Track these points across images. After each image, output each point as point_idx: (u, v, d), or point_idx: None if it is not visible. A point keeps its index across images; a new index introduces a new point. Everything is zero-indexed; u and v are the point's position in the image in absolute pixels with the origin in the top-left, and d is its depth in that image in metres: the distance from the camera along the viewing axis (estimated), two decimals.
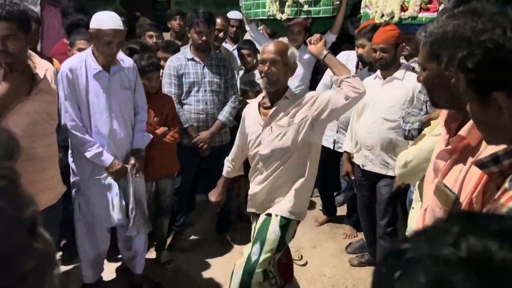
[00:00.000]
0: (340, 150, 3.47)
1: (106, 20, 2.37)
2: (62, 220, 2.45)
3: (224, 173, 2.52)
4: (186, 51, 3.21)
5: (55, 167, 2.22)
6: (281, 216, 2.18)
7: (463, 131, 1.09)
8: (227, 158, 2.51)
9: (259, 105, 2.23)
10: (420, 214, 1.33)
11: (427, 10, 3.08)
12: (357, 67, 3.39)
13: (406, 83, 2.66)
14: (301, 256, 3.31)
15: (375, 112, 2.77)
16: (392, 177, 2.73)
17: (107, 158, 2.48)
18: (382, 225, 2.84)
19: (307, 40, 2.28)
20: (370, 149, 2.82)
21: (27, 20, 1.95)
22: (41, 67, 2.10)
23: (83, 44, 2.83)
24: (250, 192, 2.32)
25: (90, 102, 2.44)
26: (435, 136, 1.94)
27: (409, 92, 2.65)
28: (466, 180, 1.07)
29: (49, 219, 2.14)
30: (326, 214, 3.86)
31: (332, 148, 3.52)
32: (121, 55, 2.60)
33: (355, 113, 2.96)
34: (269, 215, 2.21)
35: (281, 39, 4.24)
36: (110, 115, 2.48)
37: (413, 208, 2.15)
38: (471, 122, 1.07)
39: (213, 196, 2.51)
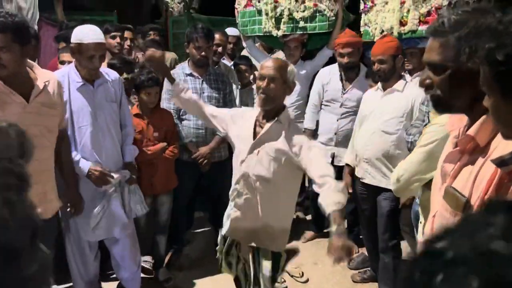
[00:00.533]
0: (341, 164, 3.46)
1: (87, 33, 2.34)
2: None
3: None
4: (185, 66, 3.21)
5: (49, 182, 2.17)
6: (271, 252, 2.11)
7: (471, 131, 1.07)
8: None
9: (256, 119, 2.11)
10: (429, 221, 1.30)
11: (426, 23, 3.11)
12: (341, 80, 3.41)
13: (406, 94, 2.66)
14: (302, 273, 3.25)
15: (374, 124, 2.77)
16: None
17: (85, 166, 2.43)
18: (384, 239, 2.79)
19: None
20: (368, 161, 2.81)
21: (23, 32, 1.90)
22: (42, 78, 2.07)
23: (65, 57, 2.83)
24: (232, 216, 2.16)
25: (74, 116, 2.41)
26: (423, 147, 1.95)
27: (408, 104, 2.64)
28: (476, 182, 1.04)
29: (44, 234, 2.09)
30: (315, 228, 3.79)
31: (331, 162, 3.51)
32: (105, 68, 2.60)
33: (357, 125, 2.96)
34: (257, 248, 2.13)
35: (278, 53, 4.29)
36: (96, 128, 2.45)
37: (421, 222, 2.13)
38: (479, 122, 1.05)
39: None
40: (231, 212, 2.17)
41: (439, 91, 1.10)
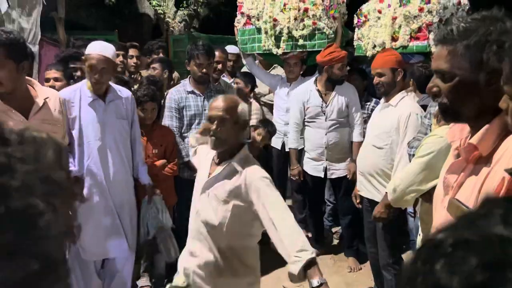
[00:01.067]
0: (333, 176, 3.46)
1: (94, 46, 2.42)
2: None
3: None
4: (186, 84, 3.22)
5: None
6: None
7: (474, 140, 1.05)
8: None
9: (212, 159, 1.97)
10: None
11: (417, 39, 3.16)
12: (320, 95, 3.43)
13: (396, 110, 2.66)
14: None
15: (368, 138, 2.83)
16: None
17: None
18: (383, 256, 2.76)
19: None
20: (362, 174, 2.84)
21: (18, 49, 1.90)
22: (43, 95, 2.08)
23: (50, 74, 2.81)
24: (185, 263, 1.94)
25: (84, 131, 2.43)
26: (420, 158, 1.94)
27: (395, 120, 2.63)
28: (482, 193, 1.02)
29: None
30: (316, 245, 3.73)
31: (323, 176, 3.50)
32: (118, 86, 2.63)
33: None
34: None
35: (277, 69, 4.32)
36: (104, 144, 2.46)
37: (420, 235, 2.11)
38: (482, 131, 1.04)
39: None
40: (184, 258, 1.97)
41: (445, 99, 1.09)
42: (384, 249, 2.73)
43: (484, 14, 1.00)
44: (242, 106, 1.88)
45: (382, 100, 2.83)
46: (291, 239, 1.60)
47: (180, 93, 3.16)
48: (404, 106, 2.61)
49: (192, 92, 3.15)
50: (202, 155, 2.07)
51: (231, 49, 4.19)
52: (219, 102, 1.85)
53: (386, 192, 2.55)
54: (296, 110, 3.49)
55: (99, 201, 2.47)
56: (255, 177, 1.78)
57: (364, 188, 2.83)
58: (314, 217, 3.73)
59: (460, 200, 1.08)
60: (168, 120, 3.11)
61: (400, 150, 2.60)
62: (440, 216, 1.19)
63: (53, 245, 0.44)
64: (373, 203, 2.79)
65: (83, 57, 2.43)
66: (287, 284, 3.25)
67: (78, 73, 2.98)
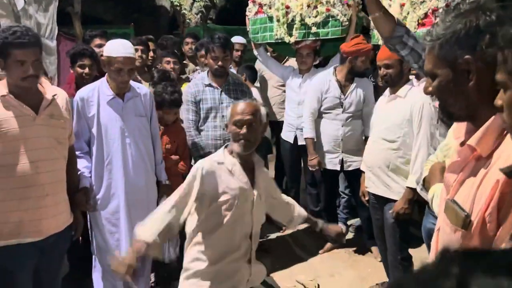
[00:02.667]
0: (350, 169, 3.38)
1: (117, 47, 2.40)
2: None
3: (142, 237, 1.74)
4: (204, 77, 3.17)
5: (60, 194, 2.16)
6: None
7: (472, 141, 0.99)
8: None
9: (240, 166, 1.92)
10: (434, 235, 1.21)
11: (423, 25, 3.03)
12: (340, 86, 3.35)
13: (407, 101, 2.55)
14: (318, 286, 3.16)
15: (375, 132, 2.72)
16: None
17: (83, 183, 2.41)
18: (392, 252, 2.69)
19: None
20: (371, 169, 2.73)
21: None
22: (50, 92, 2.13)
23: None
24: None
25: (103, 130, 2.43)
26: None
27: (408, 111, 2.53)
28: (477, 195, 0.96)
29: (54, 247, 2.12)
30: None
31: (339, 169, 3.42)
32: (136, 83, 2.63)
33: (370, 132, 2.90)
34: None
35: (290, 61, 4.23)
36: (123, 142, 2.45)
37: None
38: (481, 130, 0.97)
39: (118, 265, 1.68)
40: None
41: (437, 98, 1.06)
42: (392, 244, 2.66)
43: (465, 9, 0.95)
44: (263, 108, 1.99)
45: (387, 92, 2.71)
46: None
47: (198, 86, 3.12)
48: (415, 96, 2.50)
49: (210, 85, 3.10)
50: (215, 175, 1.88)
51: (237, 39, 4.13)
52: (244, 106, 1.90)
53: (408, 187, 2.47)
54: (313, 99, 3.39)
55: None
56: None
57: (373, 184, 2.74)
58: (328, 210, 3.66)
59: (457, 202, 1.01)
60: (185, 113, 3.09)
61: (417, 142, 2.50)
62: (440, 217, 1.12)
63: None
64: (381, 199, 2.71)
65: (103, 58, 2.42)
66: (300, 278, 3.22)
67: (86, 70, 2.97)
